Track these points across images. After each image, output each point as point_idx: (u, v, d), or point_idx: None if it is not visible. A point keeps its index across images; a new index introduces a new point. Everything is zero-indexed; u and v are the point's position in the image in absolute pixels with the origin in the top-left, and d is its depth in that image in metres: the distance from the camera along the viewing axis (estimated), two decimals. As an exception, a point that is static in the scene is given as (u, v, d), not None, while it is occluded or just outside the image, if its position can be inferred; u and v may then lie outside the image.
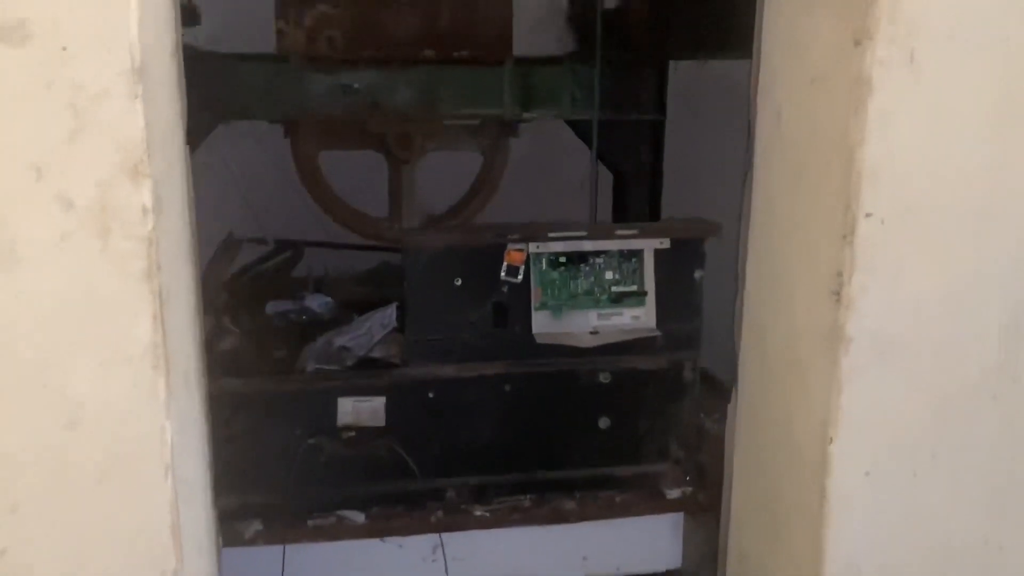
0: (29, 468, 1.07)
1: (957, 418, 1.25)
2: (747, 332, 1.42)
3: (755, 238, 1.39)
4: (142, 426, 1.10)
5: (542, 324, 1.54)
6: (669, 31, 2.01)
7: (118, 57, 1.01)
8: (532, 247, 1.52)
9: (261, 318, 2.08)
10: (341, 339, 1.87)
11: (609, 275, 1.56)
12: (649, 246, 1.55)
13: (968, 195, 1.16)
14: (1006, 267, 1.20)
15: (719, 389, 1.64)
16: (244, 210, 2.66)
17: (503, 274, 1.51)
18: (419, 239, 1.52)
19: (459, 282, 1.52)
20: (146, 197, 1.05)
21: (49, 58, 1.00)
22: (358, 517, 1.58)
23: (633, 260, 1.56)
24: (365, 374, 1.58)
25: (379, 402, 1.55)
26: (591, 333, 1.56)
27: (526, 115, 1.96)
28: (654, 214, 2.06)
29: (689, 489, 1.66)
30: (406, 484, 1.57)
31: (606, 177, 2.14)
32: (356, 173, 2.13)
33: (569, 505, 1.63)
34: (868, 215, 1.17)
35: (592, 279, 1.55)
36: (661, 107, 2.01)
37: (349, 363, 1.82)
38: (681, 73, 2.11)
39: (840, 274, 1.20)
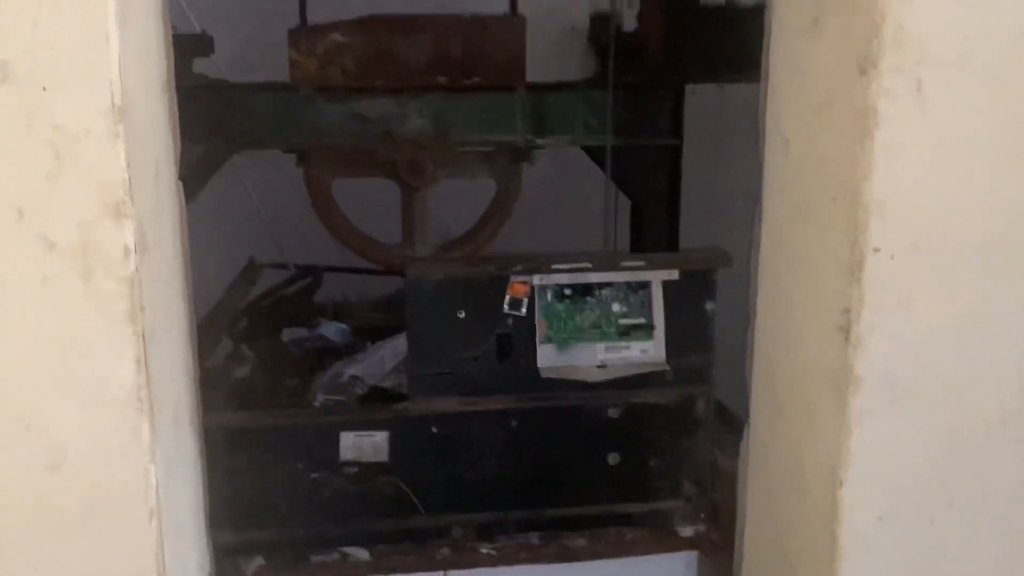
0: (10, 511, 1.06)
1: (976, 462, 1.19)
2: (757, 368, 1.38)
3: (763, 271, 1.34)
4: (126, 469, 1.08)
5: (547, 358, 1.51)
6: (686, 54, 1.98)
7: (98, 96, 1.00)
8: (536, 279, 1.49)
9: (278, 345, 2.08)
10: (353, 368, 1.86)
11: (616, 307, 1.52)
12: (657, 277, 1.51)
13: (980, 228, 1.11)
14: (1023, 303, 1.14)
15: (734, 423, 1.60)
16: (266, 236, 2.68)
17: (506, 307, 1.48)
18: (420, 270, 1.49)
19: (462, 315, 1.49)
20: (128, 237, 1.04)
21: (29, 98, 0.99)
22: (362, 554, 1.56)
23: (641, 292, 1.52)
24: (367, 408, 1.56)
25: (381, 437, 1.52)
26: (598, 367, 1.52)
27: (539, 142, 1.94)
28: (672, 242, 2.02)
29: (702, 527, 1.62)
30: (411, 521, 1.54)
31: (628, 204, 2.10)
32: (373, 199, 2.13)
33: (579, 543, 1.59)
34: (876, 250, 1.12)
35: (598, 312, 1.52)
36: (677, 132, 1.97)
37: (360, 392, 1.81)
38: (699, 97, 2.07)
39: (848, 311, 1.15)
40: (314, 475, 1.52)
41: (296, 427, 1.53)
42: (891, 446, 1.18)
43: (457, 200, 2.10)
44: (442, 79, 1.87)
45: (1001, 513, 1.21)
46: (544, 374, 1.51)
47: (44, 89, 0.99)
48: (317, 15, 1.93)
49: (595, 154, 1.99)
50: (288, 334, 2.07)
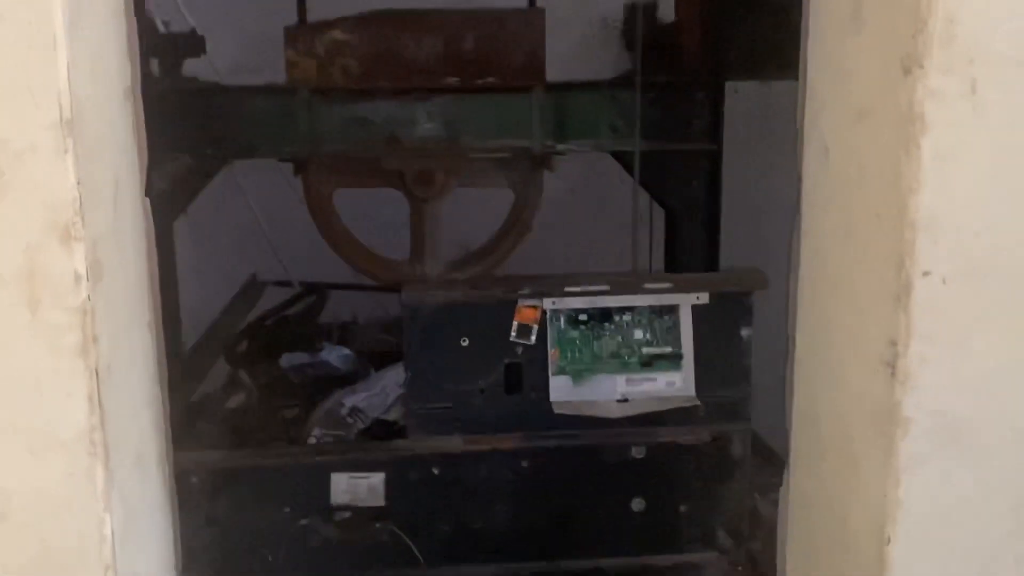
0: (-52, 567, 1.05)
1: (1045, 516, 1.14)
2: (798, 404, 1.33)
3: (803, 295, 1.30)
4: (78, 520, 1.06)
5: (561, 391, 1.48)
6: (726, 47, 1.94)
7: (45, 109, 0.99)
8: (547, 303, 1.46)
9: (278, 370, 2.07)
10: (353, 399, 1.84)
11: (639, 335, 1.48)
12: (685, 301, 1.47)
13: (1046, 250, 1.06)
14: (1098, 335, 1.09)
15: (775, 464, 1.55)
16: (269, 250, 2.67)
17: (514, 334, 1.45)
18: (418, 294, 1.47)
19: (465, 343, 1.47)
20: (79, 262, 1.02)
21: (-31, 112, 0.98)
22: (355, 609, 1.54)
23: (667, 317, 1.48)
24: (361, 447, 1.54)
25: (378, 479, 1.50)
26: (619, 401, 1.48)
27: (560, 147, 1.91)
28: (711, 259, 1.98)
29: (739, 582, 1.57)
30: (409, 573, 1.51)
31: (662, 215, 2.06)
32: (379, 210, 2.11)
33: (599, 599, 1.56)
34: (926, 273, 1.07)
35: (619, 339, 1.48)
36: (716, 135, 1.93)
37: (361, 426, 1.78)
38: (742, 96, 2.02)
39: (894, 343, 1.10)
40: (303, 521, 1.50)
41: (283, 467, 1.52)
42: (946, 498, 1.12)
43: (476, 208, 2.08)
44: (453, 79, 1.86)
45: (1076, 576, 1.15)
46: (557, 409, 1.48)
47: (-15, 101, 0.98)
48: (317, 12, 1.92)
49: (625, 160, 1.95)
50: (288, 360, 2.05)
